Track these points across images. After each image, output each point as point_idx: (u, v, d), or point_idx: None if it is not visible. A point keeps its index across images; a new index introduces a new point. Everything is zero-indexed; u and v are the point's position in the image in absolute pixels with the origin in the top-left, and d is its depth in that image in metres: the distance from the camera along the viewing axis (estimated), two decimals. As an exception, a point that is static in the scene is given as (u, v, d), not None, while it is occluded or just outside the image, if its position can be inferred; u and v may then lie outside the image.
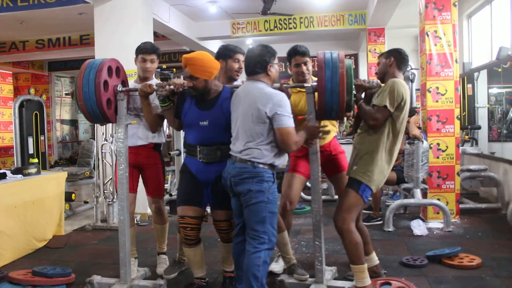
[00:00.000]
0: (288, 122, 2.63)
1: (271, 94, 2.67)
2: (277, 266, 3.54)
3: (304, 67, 3.24)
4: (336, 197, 5.27)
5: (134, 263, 3.52)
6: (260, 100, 2.65)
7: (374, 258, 3.36)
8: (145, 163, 3.53)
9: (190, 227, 3.01)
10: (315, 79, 3.08)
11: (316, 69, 3.25)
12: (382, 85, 3.07)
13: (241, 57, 3.19)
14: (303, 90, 3.35)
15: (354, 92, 2.96)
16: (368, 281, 2.90)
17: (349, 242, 2.88)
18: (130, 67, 4.00)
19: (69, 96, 13.94)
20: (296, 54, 3.27)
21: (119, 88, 3.15)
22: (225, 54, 3.19)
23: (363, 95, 3.16)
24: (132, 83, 3.53)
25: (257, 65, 2.75)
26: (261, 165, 2.67)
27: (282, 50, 3.90)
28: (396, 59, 3.05)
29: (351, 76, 2.86)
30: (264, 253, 2.64)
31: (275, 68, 2.81)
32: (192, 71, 2.89)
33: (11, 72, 12.26)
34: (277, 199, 2.76)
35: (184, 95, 3.07)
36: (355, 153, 3.02)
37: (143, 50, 3.47)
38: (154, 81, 3.53)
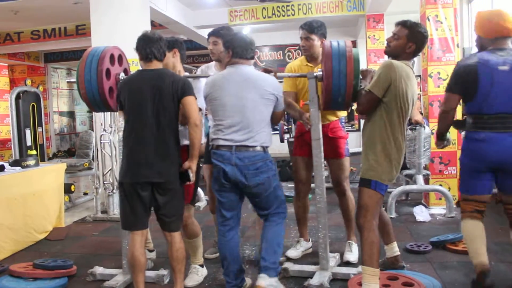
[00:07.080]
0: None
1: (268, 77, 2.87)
2: (295, 252, 3.62)
3: (305, 42, 3.37)
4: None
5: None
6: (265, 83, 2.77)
7: (395, 249, 3.18)
8: None
9: None
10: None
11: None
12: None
13: (213, 39, 3.52)
14: (311, 64, 3.39)
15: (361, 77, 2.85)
16: None
17: (365, 239, 2.65)
18: (128, 56, 3.91)
19: (71, 85, 13.82)
20: (300, 28, 3.40)
21: (121, 76, 3.10)
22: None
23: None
24: None
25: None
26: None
27: (280, 38, 3.89)
28: (417, 46, 2.71)
29: (358, 62, 2.76)
30: (283, 222, 2.87)
31: None
32: None
33: (6, 64, 12.12)
34: None
35: None
36: (363, 147, 2.80)
37: None
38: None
